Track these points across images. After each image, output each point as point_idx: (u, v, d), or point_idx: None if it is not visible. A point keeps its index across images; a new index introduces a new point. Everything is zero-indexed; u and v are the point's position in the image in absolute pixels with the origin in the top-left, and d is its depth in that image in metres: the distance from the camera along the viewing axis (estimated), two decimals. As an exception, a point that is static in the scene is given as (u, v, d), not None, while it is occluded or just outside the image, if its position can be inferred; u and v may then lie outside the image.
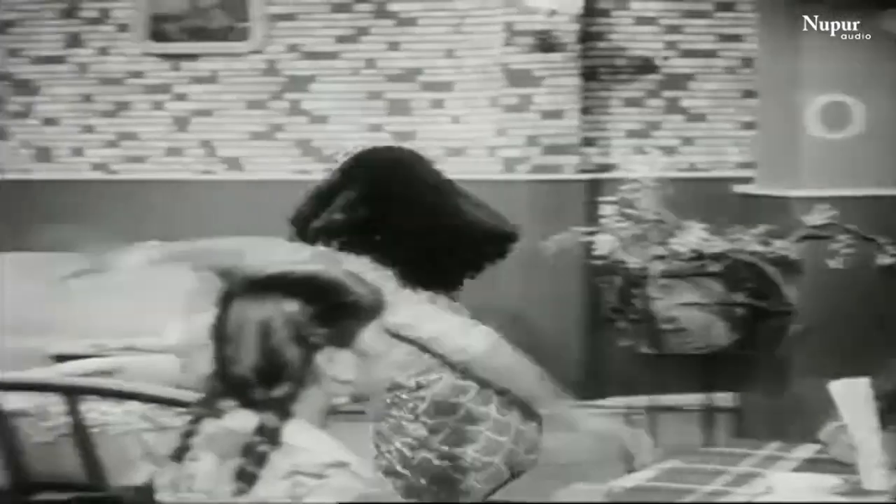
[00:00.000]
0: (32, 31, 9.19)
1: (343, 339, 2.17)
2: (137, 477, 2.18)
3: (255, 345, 2.13)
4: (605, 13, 8.78)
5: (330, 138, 8.79)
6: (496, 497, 6.01)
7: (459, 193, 4.28)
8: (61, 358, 5.96)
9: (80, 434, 5.77)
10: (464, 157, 8.69)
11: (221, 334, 2.17)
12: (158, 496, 2.18)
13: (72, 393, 5.75)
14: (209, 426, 2.18)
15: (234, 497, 2.06)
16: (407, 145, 5.17)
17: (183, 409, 5.72)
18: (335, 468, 2.05)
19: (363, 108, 8.81)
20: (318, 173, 8.65)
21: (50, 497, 6.14)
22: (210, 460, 2.13)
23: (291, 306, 2.13)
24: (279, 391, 2.12)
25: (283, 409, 2.12)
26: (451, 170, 8.49)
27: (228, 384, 2.17)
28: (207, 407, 2.20)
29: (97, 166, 9.16)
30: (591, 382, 8.34)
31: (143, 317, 7.58)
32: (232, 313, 2.16)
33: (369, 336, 2.20)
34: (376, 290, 2.22)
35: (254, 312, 2.14)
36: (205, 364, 5.79)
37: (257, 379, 2.13)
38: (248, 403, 2.15)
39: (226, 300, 2.18)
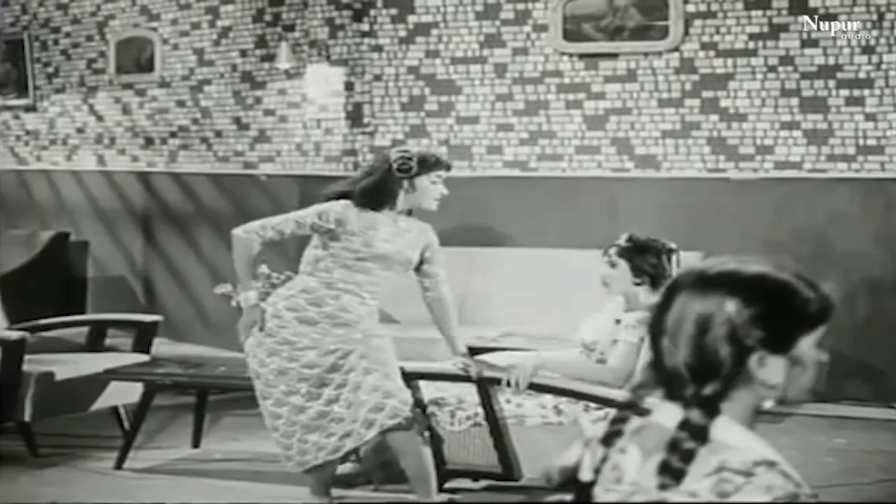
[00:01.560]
0: (451, 33, 9.46)
1: (779, 344, 2.12)
2: (567, 459, 2.20)
3: (690, 339, 2.11)
4: None
5: (744, 136, 8.69)
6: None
7: None
8: (473, 351, 6.09)
9: (495, 424, 5.90)
10: (880, 156, 8.41)
11: (661, 325, 2.16)
12: (581, 477, 2.20)
13: (486, 384, 5.88)
14: (637, 419, 2.18)
15: (659, 491, 2.06)
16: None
17: (594, 404, 5.78)
18: (763, 467, 2.02)
19: (778, 105, 8.64)
20: (732, 171, 8.68)
21: (461, 485, 6.30)
22: (636, 453, 2.14)
23: (732, 305, 2.10)
24: (709, 388, 2.10)
25: (712, 406, 2.10)
26: (869, 167, 8.37)
27: (660, 375, 2.16)
28: (638, 397, 2.20)
29: (510, 164, 9.34)
30: None
31: (555, 313, 7.69)
32: (675, 305, 2.15)
33: (808, 344, 2.14)
34: (823, 296, 2.15)
35: (696, 307, 2.12)
36: (617, 359, 5.82)
37: (689, 374, 2.12)
38: (677, 397, 2.14)
39: (672, 292, 2.17)
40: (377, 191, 5.80)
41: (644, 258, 6.01)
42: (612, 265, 6.03)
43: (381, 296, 5.89)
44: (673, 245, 6.11)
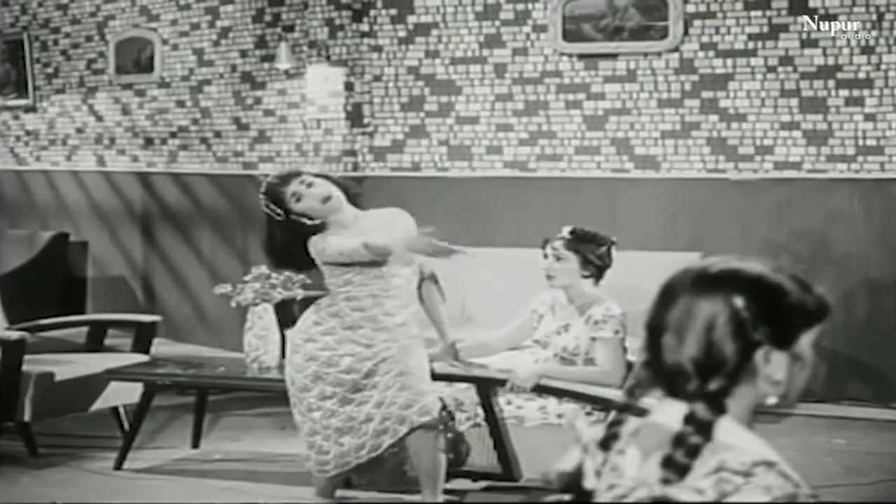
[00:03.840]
0: (451, 33, 9.46)
1: (782, 340, 2.14)
2: (565, 463, 2.20)
3: (697, 336, 2.13)
4: None
5: (743, 136, 8.69)
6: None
7: None
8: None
9: (494, 425, 5.90)
10: (880, 156, 8.42)
11: (661, 322, 2.18)
12: (584, 483, 2.20)
13: (487, 385, 5.88)
14: (634, 420, 2.19)
15: (661, 487, 2.06)
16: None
17: (589, 407, 5.78)
18: (762, 467, 2.03)
19: (777, 106, 8.64)
20: (732, 172, 8.68)
21: (461, 486, 6.30)
22: (635, 454, 2.14)
23: (739, 302, 2.13)
24: (714, 384, 2.12)
25: (717, 403, 2.11)
26: (869, 168, 8.36)
27: (661, 372, 2.17)
28: (634, 397, 2.21)
29: (510, 164, 9.34)
30: None
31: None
32: (678, 303, 2.16)
33: (807, 341, 2.17)
34: (820, 296, 2.18)
35: (703, 303, 2.14)
36: (606, 360, 5.81)
37: (694, 369, 2.13)
38: (678, 394, 2.15)
39: (672, 290, 2.18)
40: (305, 232, 5.65)
41: (591, 249, 6.03)
42: (558, 258, 6.05)
43: (412, 295, 5.81)
44: (614, 238, 6.14)
